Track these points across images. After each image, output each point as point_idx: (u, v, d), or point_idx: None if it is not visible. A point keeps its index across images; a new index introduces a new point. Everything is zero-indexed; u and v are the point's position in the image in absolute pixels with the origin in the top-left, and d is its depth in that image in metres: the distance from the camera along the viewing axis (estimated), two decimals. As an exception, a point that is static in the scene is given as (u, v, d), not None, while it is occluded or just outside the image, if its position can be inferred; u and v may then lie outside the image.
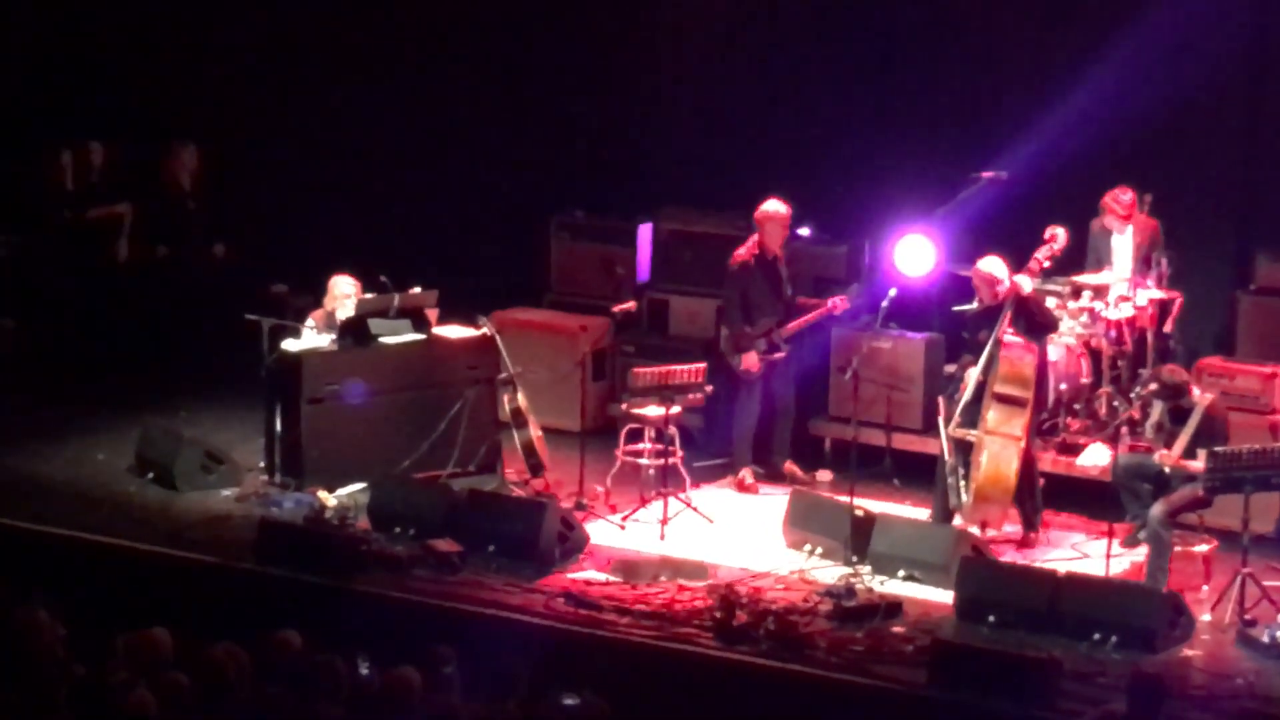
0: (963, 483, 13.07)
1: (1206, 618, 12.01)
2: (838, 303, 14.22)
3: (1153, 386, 12.98)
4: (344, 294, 14.16)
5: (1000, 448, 12.98)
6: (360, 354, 14.01)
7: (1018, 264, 13.32)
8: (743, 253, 14.32)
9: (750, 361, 14.16)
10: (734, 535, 13.42)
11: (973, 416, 13.06)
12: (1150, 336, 14.10)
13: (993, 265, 13.25)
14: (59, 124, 17.46)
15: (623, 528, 13.50)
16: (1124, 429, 13.76)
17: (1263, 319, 14.47)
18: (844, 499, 13.11)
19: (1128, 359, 14.20)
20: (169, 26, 17.94)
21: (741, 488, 14.29)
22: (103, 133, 17.34)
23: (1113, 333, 14.15)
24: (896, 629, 11.86)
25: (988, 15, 15.54)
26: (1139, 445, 13.43)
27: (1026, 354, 13.03)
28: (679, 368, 13.79)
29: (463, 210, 17.05)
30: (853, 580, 12.41)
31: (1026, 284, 13.16)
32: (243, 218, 17.06)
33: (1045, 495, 13.44)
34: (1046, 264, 13.52)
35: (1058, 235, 13.60)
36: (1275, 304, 14.49)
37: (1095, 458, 13.76)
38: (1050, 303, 13.80)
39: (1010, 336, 13.05)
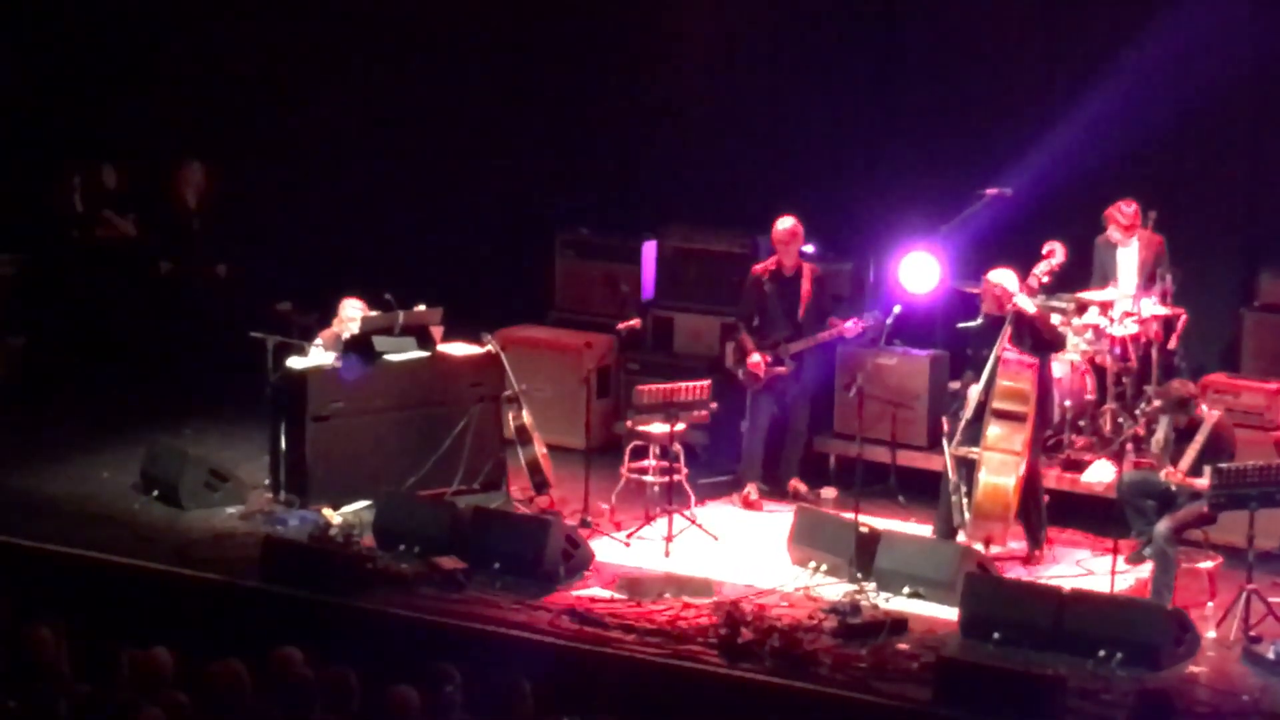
0: (965, 501, 13.07)
1: (1212, 634, 12.00)
2: (849, 326, 14.21)
3: (1158, 403, 12.99)
4: (351, 317, 14.16)
5: (999, 463, 12.97)
6: (365, 371, 14.02)
7: (1019, 281, 13.33)
8: (759, 267, 14.41)
9: (753, 364, 14.17)
10: (739, 552, 13.42)
11: (975, 435, 13.06)
12: (1155, 353, 14.09)
13: (1002, 277, 13.25)
14: (71, 145, 17.50)
15: (627, 545, 13.50)
16: (1129, 445, 13.76)
17: (1267, 335, 14.47)
18: (849, 516, 13.13)
19: (1132, 375, 14.19)
20: (178, 47, 17.98)
21: (746, 504, 14.29)
22: (113, 152, 17.39)
23: (1117, 349, 14.14)
24: (901, 646, 11.85)
25: (992, 33, 15.56)
26: (1144, 462, 13.44)
27: (1025, 369, 13.02)
28: (684, 385, 13.79)
29: (467, 228, 17.06)
30: (858, 597, 12.40)
31: (1028, 304, 13.16)
32: (248, 235, 17.08)
33: (1050, 512, 13.43)
34: (1045, 279, 13.54)
35: (1055, 250, 13.62)
36: (1279, 320, 14.49)
37: (1100, 474, 13.78)
38: (1055, 319, 13.79)
39: (1008, 352, 13.04)
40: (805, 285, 14.33)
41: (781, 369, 14.27)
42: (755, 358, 14.21)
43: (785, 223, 14.32)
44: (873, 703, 11.17)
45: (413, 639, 11.86)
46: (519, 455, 14.16)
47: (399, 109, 17.35)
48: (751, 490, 14.33)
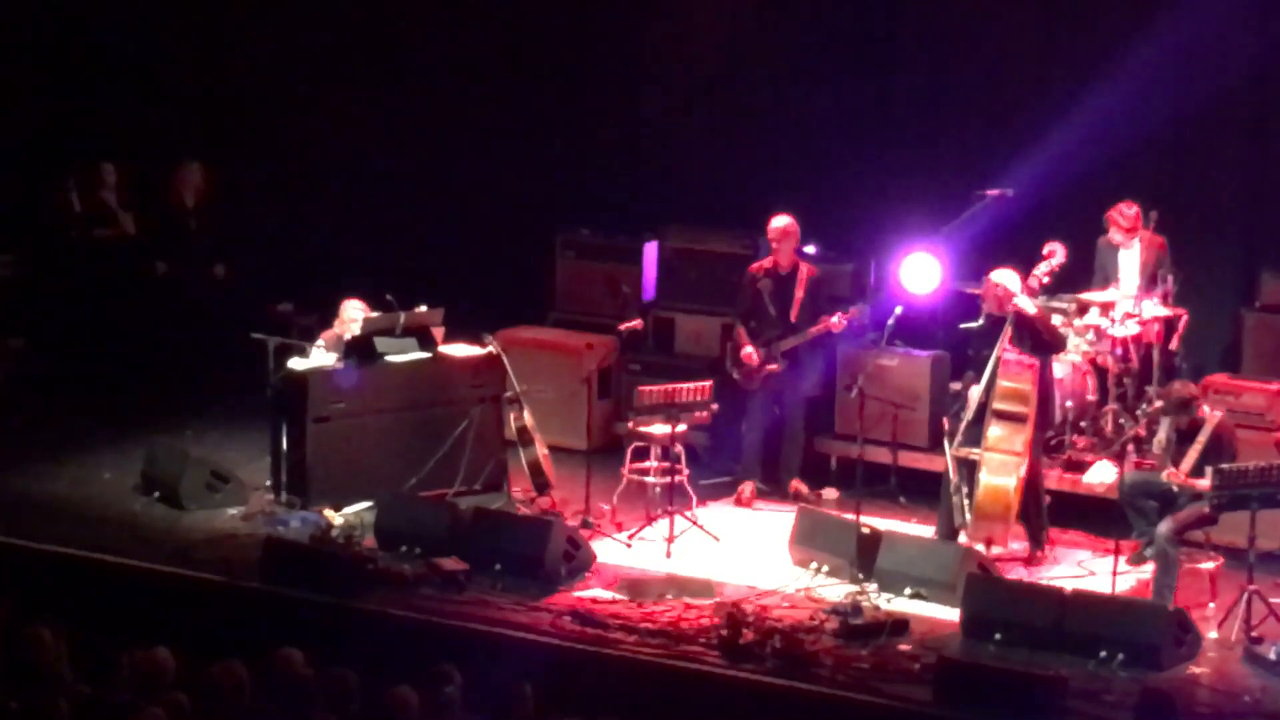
0: (966, 501, 13.06)
1: (1213, 635, 11.99)
2: (836, 322, 14.20)
3: (1159, 404, 12.99)
4: (353, 318, 14.15)
5: (1000, 464, 12.97)
6: (366, 372, 14.02)
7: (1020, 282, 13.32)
8: (755, 265, 14.49)
9: (746, 355, 14.17)
10: (740, 553, 13.41)
11: (975, 436, 13.05)
12: (1156, 354, 14.09)
13: (1004, 277, 13.24)
14: (70, 145, 17.50)
15: (629, 546, 13.50)
16: (1130, 446, 13.75)
17: (1268, 336, 14.47)
18: (850, 517, 13.12)
19: (1134, 376, 14.19)
20: (177, 47, 17.98)
21: (738, 501, 14.30)
22: (113, 153, 17.38)
23: (1119, 350, 14.14)
24: (903, 647, 11.84)
25: (992, 33, 15.56)
26: (1145, 463, 13.43)
27: (1025, 370, 13.02)
28: (684, 386, 13.78)
29: (468, 228, 17.06)
30: (859, 598, 12.40)
31: (1029, 305, 13.15)
32: (247, 236, 17.08)
33: (1051, 513, 13.43)
34: (1046, 280, 13.54)
35: (1056, 251, 13.63)
36: (1279, 321, 14.49)
37: (1101, 475, 13.77)
38: (1056, 320, 13.79)
39: (1009, 353, 13.04)
40: (800, 285, 14.33)
41: (774, 366, 14.27)
42: (748, 349, 14.22)
43: (779, 220, 14.33)
44: (874, 704, 11.16)
45: (413, 640, 11.84)
46: (520, 456, 14.16)
47: (399, 109, 17.34)
48: (746, 488, 14.34)
